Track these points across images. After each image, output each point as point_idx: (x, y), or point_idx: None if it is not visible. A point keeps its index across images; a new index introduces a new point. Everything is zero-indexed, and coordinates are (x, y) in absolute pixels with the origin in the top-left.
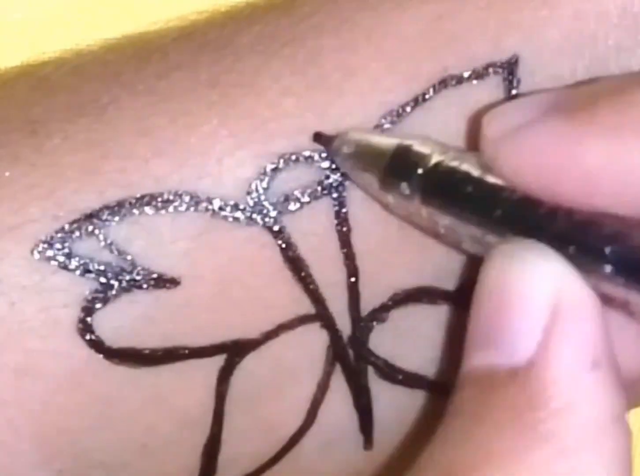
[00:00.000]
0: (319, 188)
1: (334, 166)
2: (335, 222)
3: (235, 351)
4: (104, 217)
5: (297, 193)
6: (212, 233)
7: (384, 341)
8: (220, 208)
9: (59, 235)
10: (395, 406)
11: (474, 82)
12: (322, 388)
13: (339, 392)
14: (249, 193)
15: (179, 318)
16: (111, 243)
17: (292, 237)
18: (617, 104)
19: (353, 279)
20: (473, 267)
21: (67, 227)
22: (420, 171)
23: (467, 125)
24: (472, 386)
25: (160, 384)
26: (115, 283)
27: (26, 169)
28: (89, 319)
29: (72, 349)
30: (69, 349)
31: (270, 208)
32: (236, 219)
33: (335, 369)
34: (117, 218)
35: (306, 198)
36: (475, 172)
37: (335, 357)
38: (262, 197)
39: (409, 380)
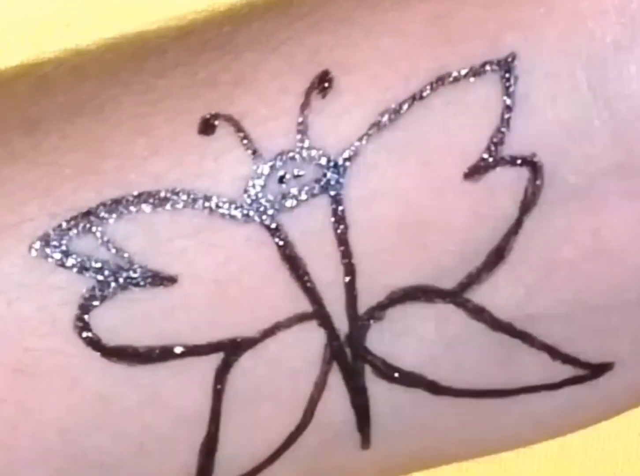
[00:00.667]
0: (317, 186)
1: (332, 164)
2: (333, 220)
3: (232, 349)
4: (102, 215)
5: (294, 191)
6: (210, 231)
7: (382, 340)
8: (218, 206)
9: (57, 233)
10: (392, 405)
11: (472, 79)
12: (319, 386)
13: (336, 391)
14: (246, 191)
15: (176, 316)
16: (108, 241)
17: (289, 235)
18: None
19: (350, 278)
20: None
21: (64, 224)
22: None
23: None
24: None
25: (157, 382)
26: (113, 281)
27: (24, 167)
28: (86, 317)
29: (70, 347)
30: (67, 347)
31: (268, 206)
32: (233, 217)
33: (333, 368)
34: (114, 216)
35: (303, 197)
36: None
37: (333, 356)
38: (260, 195)
39: (406, 378)
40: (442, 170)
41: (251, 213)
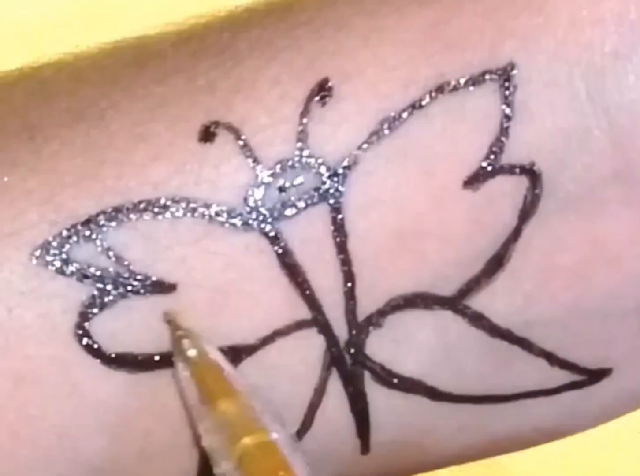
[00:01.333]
0: (316, 194)
1: (331, 172)
2: (332, 228)
3: (231, 356)
4: (102, 223)
5: (294, 199)
6: (209, 239)
7: (381, 346)
8: (217, 214)
9: (57, 240)
10: (391, 411)
11: (471, 88)
12: (319, 393)
13: (336, 397)
14: (246, 199)
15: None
16: (108, 249)
17: (288, 243)
18: None
19: (350, 285)
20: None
21: (64, 232)
22: None
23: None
24: None
25: (157, 389)
26: (113, 289)
27: (24, 174)
28: (86, 324)
29: (70, 355)
30: (67, 355)
31: (267, 214)
32: (233, 225)
33: (332, 374)
34: (114, 224)
35: (303, 204)
36: None
37: (332, 362)
38: (259, 203)
39: (406, 385)
40: (441, 179)
41: (251, 221)
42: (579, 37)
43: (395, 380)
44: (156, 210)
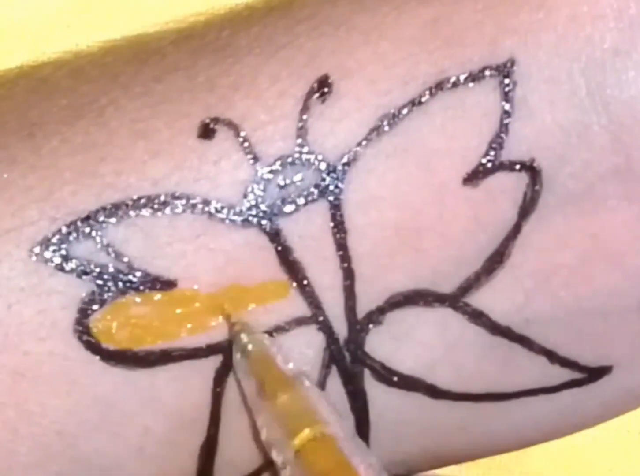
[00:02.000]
0: (316, 191)
1: (331, 169)
2: (332, 224)
3: (231, 352)
4: (101, 219)
5: (293, 195)
6: (209, 236)
7: (381, 344)
8: (217, 211)
9: (57, 237)
10: (391, 409)
11: (470, 85)
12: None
13: (335, 395)
14: (245, 195)
15: (174, 320)
16: (108, 245)
17: (288, 240)
18: None
19: (349, 282)
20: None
21: (64, 229)
22: None
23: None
24: None
25: (156, 386)
26: (112, 285)
27: (24, 171)
28: (85, 321)
29: (69, 351)
30: (66, 351)
31: (267, 210)
32: (233, 222)
33: (332, 372)
34: (114, 220)
35: (302, 201)
36: None
37: (332, 360)
38: (259, 200)
39: (405, 382)
40: (441, 175)
41: (250, 217)
42: (579, 33)
43: (395, 378)
44: (156, 206)
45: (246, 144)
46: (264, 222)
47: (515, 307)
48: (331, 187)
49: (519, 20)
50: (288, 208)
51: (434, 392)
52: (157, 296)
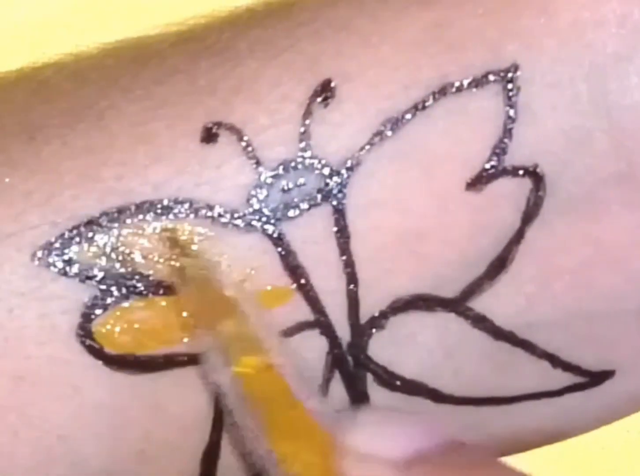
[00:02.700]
0: (319, 195)
1: (334, 173)
2: (335, 229)
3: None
4: (104, 224)
5: (296, 200)
6: (211, 240)
7: (383, 348)
8: (220, 215)
9: (59, 241)
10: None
11: (473, 90)
12: (321, 394)
13: (338, 399)
14: (248, 200)
15: (177, 325)
16: (111, 250)
17: (291, 244)
18: None
19: (352, 286)
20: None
21: (66, 233)
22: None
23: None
24: None
25: (159, 391)
26: (115, 290)
27: (25, 175)
28: (88, 325)
29: (71, 355)
30: (68, 355)
31: (270, 215)
32: (236, 226)
33: (334, 376)
34: (116, 225)
35: (305, 205)
36: None
37: (334, 364)
38: (262, 204)
39: (408, 386)
40: (444, 180)
41: (253, 222)
42: (581, 39)
43: (398, 382)
44: (159, 211)
45: (248, 149)
46: (267, 226)
47: (518, 312)
48: (334, 192)
49: (521, 25)
50: (291, 212)
51: (436, 396)
52: (160, 301)
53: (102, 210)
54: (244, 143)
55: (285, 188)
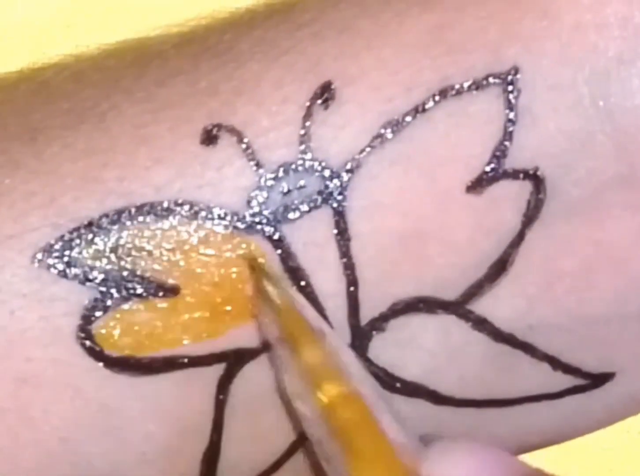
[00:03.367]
0: (319, 197)
1: (334, 175)
2: (335, 231)
3: (235, 360)
4: (104, 226)
5: (296, 202)
6: (212, 242)
7: (384, 350)
8: (220, 218)
9: (59, 243)
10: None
11: (474, 92)
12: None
13: None
14: (248, 202)
15: (178, 327)
16: (111, 252)
17: (291, 247)
18: None
19: (352, 289)
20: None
21: (67, 235)
22: None
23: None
24: None
25: (159, 393)
26: (115, 292)
27: (26, 177)
28: (88, 327)
29: (72, 357)
30: (69, 357)
31: (270, 217)
32: (236, 228)
33: None
34: (117, 227)
35: (306, 208)
36: None
37: None
38: (263, 207)
39: (408, 389)
40: (444, 183)
41: (254, 224)
42: (583, 41)
43: (398, 384)
44: (159, 213)
45: (249, 151)
46: (267, 228)
47: (519, 314)
48: (334, 194)
49: (523, 27)
50: (291, 215)
51: (437, 398)
52: (161, 303)
53: (103, 212)
54: (244, 146)
55: (286, 190)
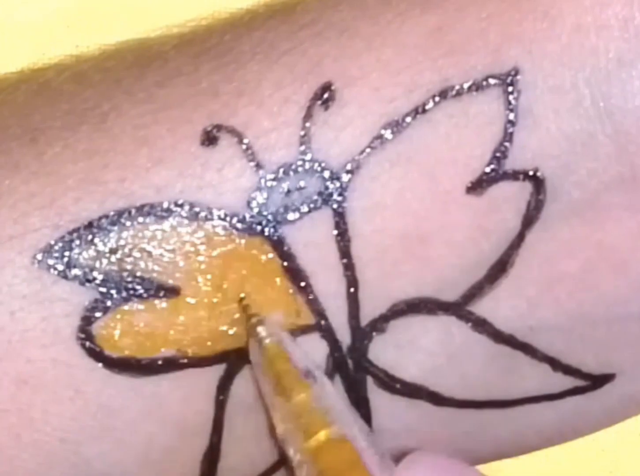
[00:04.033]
0: (319, 198)
1: (334, 176)
2: (335, 232)
3: (235, 360)
4: (105, 226)
5: (297, 203)
6: (212, 243)
7: (384, 351)
8: (221, 219)
9: (60, 244)
10: (394, 417)
11: (474, 93)
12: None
13: None
14: (249, 203)
15: (178, 328)
16: (111, 252)
17: (292, 248)
18: None
19: (353, 290)
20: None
21: (67, 236)
22: None
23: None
24: None
25: (160, 393)
26: (115, 293)
27: (27, 178)
28: (88, 328)
29: (72, 358)
30: (69, 358)
31: (270, 218)
32: (236, 229)
33: (335, 379)
34: (117, 228)
35: (306, 209)
36: None
37: (335, 367)
38: (262, 208)
39: (408, 389)
40: (444, 184)
41: (254, 225)
42: (584, 43)
43: (398, 386)
44: (159, 214)
45: (249, 151)
46: (267, 229)
47: (519, 315)
48: (335, 195)
49: (524, 29)
50: (292, 215)
51: (437, 399)
52: (161, 304)
53: (103, 213)
54: (244, 146)
55: (286, 191)
